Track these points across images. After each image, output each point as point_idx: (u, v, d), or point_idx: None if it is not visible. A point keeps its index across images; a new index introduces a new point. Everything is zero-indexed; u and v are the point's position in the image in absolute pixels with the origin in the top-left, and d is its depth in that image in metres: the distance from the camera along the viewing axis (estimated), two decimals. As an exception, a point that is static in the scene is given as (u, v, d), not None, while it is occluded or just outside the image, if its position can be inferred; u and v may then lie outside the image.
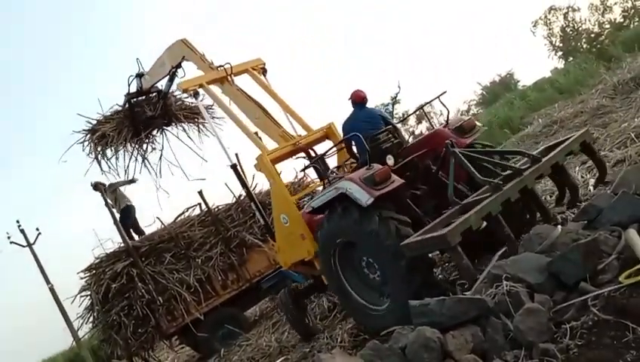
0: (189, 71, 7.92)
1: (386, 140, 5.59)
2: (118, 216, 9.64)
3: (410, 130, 20.20)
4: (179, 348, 10.91)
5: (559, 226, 4.18)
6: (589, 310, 3.28)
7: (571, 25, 23.22)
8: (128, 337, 8.44)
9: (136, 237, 9.63)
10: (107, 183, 9.81)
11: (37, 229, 20.25)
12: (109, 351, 8.99)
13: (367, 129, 5.60)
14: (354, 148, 5.95)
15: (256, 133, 6.90)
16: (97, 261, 8.83)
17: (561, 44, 23.92)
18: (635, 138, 6.76)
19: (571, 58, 21.63)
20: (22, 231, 20.03)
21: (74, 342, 15.58)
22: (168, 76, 8.33)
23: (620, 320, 3.08)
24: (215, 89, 7.32)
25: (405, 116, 16.69)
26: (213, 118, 9.12)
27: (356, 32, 69.76)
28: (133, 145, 9.65)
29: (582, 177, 6.38)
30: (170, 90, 8.92)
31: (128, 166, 9.66)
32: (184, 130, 9.85)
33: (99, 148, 9.33)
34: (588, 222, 4.23)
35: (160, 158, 9.94)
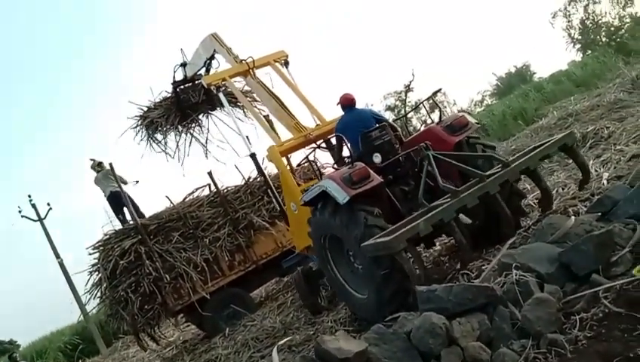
0: (223, 61, 8.52)
1: (377, 138, 5.72)
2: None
3: (422, 118, 20.02)
4: (184, 325, 11.00)
5: (572, 217, 4.11)
6: (600, 302, 3.22)
7: (591, 17, 22.75)
8: (135, 313, 8.48)
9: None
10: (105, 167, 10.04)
11: (48, 204, 20.51)
12: (116, 326, 9.09)
13: (358, 128, 5.79)
14: (346, 149, 6.13)
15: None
16: (106, 237, 8.86)
17: (579, 37, 23.48)
18: (652, 133, 6.62)
19: (589, 51, 21.24)
20: (33, 205, 20.28)
21: (81, 316, 15.79)
22: (204, 67, 8.95)
23: (631, 313, 3.02)
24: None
25: (402, 116, 16.64)
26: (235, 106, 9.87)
27: (371, 20, 69.05)
28: (182, 128, 10.40)
29: (595, 171, 6.26)
30: None
31: (177, 146, 10.38)
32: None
33: (150, 133, 10.14)
34: (602, 214, 4.15)
35: (206, 140, 10.61)
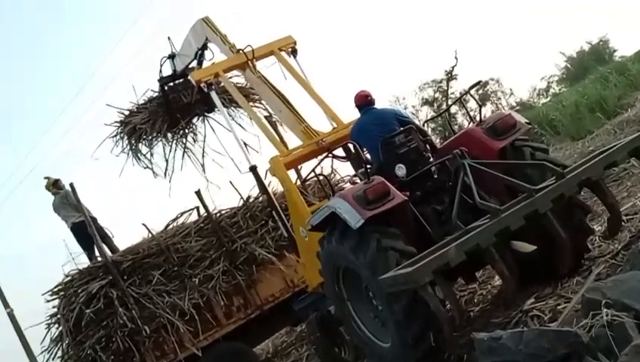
0: (217, 51, 8.65)
1: (402, 144, 5.80)
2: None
3: (471, 113, 19.98)
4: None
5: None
6: None
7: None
8: (106, 377, 8.50)
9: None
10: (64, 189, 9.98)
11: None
12: (82, 394, 9.08)
13: (377, 132, 5.91)
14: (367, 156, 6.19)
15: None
16: (68, 279, 8.91)
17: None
18: None
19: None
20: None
21: (38, 382, 15.86)
22: (196, 59, 9.08)
23: None
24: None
25: (441, 112, 16.66)
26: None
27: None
28: (172, 136, 10.50)
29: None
30: None
31: (167, 161, 10.54)
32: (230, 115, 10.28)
33: (132, 143, 10.22)
34: None
35: (203, 152, 10.78)
